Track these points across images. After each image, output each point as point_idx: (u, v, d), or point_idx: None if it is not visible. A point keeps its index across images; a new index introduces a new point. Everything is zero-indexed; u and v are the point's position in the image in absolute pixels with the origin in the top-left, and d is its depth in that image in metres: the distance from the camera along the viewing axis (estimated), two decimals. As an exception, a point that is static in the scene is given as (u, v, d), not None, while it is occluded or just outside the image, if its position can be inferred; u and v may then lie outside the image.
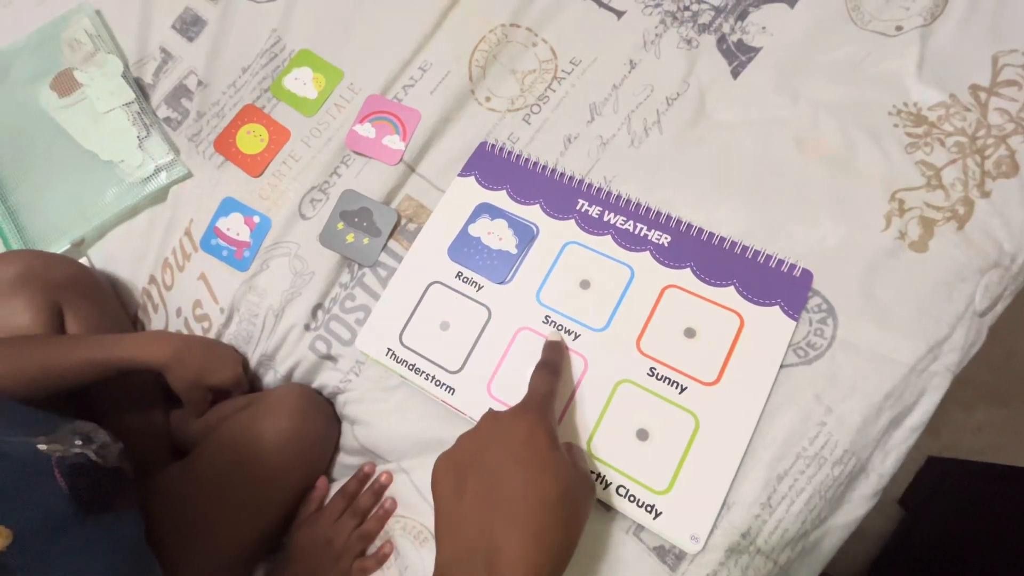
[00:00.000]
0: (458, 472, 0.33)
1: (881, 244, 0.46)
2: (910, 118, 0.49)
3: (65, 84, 0.60)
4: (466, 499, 0.31)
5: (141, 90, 0.62)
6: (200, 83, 0.62)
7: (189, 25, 0.64)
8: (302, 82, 0.60)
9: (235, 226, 0.57)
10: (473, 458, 0.33)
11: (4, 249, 0.56)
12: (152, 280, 0.59)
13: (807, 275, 0.46)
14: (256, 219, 0.57)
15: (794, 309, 0.45)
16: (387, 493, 0.49)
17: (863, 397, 0.43)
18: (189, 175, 0.59)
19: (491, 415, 0.36)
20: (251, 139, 0.58)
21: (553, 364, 0.42)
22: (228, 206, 0.58)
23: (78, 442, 0.39)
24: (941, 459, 0.86)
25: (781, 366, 0.44)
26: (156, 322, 0.60)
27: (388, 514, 0.48)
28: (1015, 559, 0.66)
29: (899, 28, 0.51)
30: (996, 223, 0.45)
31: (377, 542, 0.47)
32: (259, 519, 0.47)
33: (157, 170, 0.58)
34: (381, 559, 0.46)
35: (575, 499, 0.32)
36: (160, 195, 0.59)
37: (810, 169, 0.49)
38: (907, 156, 0.48)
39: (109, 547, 0.37)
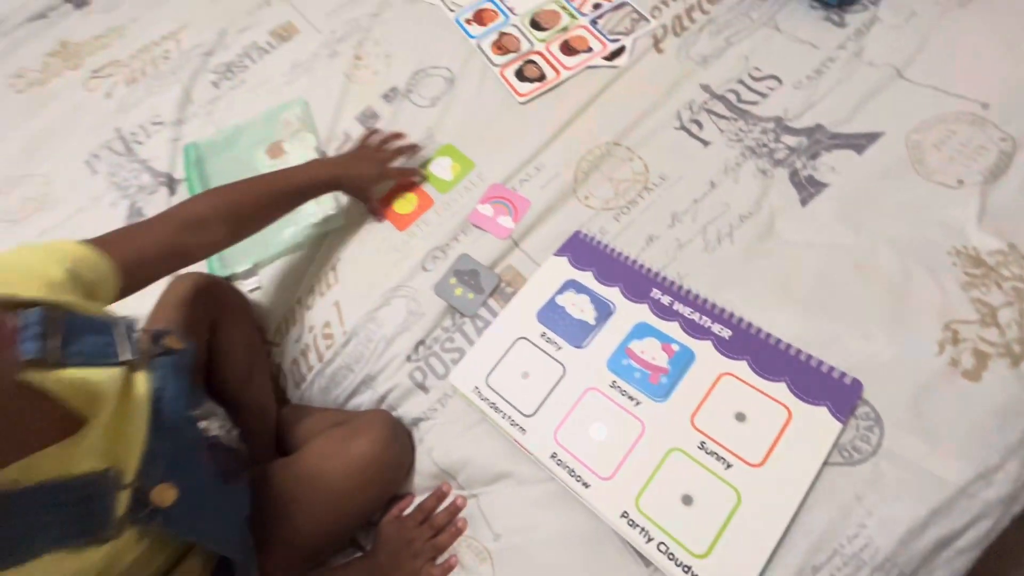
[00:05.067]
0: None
1: (933, 367, 0.50)
2: (969, 260, 0.54)
3: (275, 151, 0.81)
4: None
5: (324, 160, 0.82)
6: (367, 160, 0.81)
7: (368, 118, 0.84)
8: (442, 167, 0.77)
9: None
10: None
11: (208, 270, 0.74)
12: (299, 301, 0.75)
13: (857, 384, 0.50)
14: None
15: (841, 413, 0.49)
16: (460, 515, 0.56)
17: (907, 508, 0.45)
18: (344, 224, 0.76)
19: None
20: (404, 202, 0.75)
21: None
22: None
23: (217, 423, 0.49)
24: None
25: (825, 463, 0.48)
26: (292, 334, 0.74)
27: (459, 532, 0.55)
28: None
29: (960, 182, 0.58)
30: (1051, 367, 0.48)
31: (446, 554, 0.54)
32: (337, 522, 0.55)
33: (325, 219, 0.75)
34: (447, 569, 0.53)
35: None
36: (320, 237, 0.76)
37: (868, 291, 0.55)
38: (963, 292, 0.52)
39: (235, 511, 0.47)
